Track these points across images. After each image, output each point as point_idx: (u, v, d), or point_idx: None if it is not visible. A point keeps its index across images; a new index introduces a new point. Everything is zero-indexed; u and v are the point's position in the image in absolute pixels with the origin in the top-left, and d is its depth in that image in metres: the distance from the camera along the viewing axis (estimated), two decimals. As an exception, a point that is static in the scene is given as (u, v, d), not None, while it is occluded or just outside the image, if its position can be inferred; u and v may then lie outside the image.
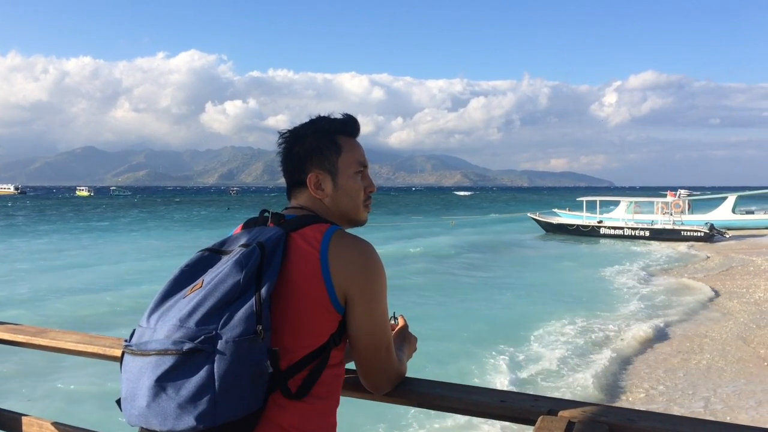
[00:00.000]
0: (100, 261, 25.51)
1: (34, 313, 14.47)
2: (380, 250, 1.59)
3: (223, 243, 1.54)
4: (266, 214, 1.60)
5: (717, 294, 17.24)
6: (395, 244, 31.38)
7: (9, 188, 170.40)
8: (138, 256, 27.47)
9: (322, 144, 1.65)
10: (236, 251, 1.43)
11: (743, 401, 8.87)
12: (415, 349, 1.89)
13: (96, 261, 25.47)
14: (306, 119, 1.73)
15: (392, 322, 1.83)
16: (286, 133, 1.71)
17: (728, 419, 7.94)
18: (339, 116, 1.72)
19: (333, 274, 1.47)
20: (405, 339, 1.84)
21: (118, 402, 1.36)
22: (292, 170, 1.68)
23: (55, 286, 18.88)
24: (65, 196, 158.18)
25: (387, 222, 48.34)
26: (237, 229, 1.62)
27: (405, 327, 1.89)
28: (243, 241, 1.48)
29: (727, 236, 33.01)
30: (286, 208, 1.68)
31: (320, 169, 1.65)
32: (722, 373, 10.16)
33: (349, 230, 1.65)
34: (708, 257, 26.06)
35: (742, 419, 8.07)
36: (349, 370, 1.69)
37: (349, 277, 1.49)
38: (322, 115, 1.73)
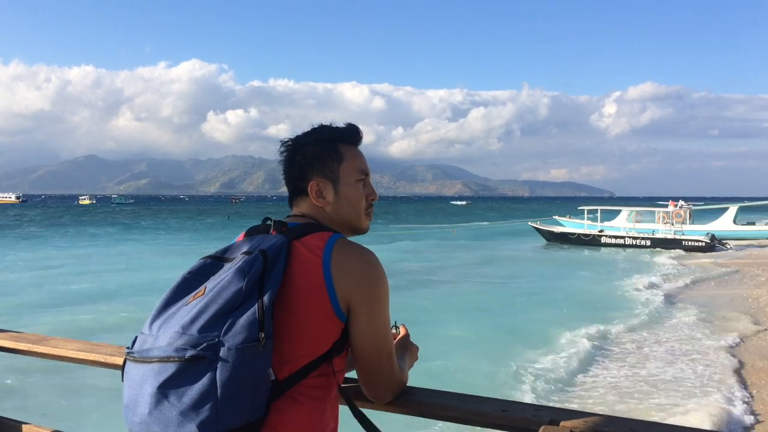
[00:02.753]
0: (103, 270, 25.51)
1: (38, 322, 14.45)
2: (380, 254, 1.59)
3: (225, 250, 1.54)
4: (269, 221, 1.60)
5: (716, 305, 17.21)
6: (391, 251, 31.35)
7: (10, 197, 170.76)
8: (139, 264, 27.47)
9: (323, 152, 1.66)
10: (238, 259, 1.44)
11: (736, 409, 8.83)
12: (417, 359, 1.88)
13: (99, 270, 25.47)
14: (307, 128, 1.74)
15: (394, 330, 1.83)
16: (288, 141, 1.71)
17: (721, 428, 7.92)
18: (341, 125, 1.73)
19: (335, 282, 1.47)
20: (406, 348, 1.84)
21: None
22: (294, 178, 1.68)
23: (59, 296, 18.86)
24: (68, 204, 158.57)
25: (382, 230, 48.33)
26: (239, 237, 1.63)
27: (407, 336, 1.89)
28: (245, 248, 1.48)
29: (729, 247, 32.99)
30: (289, 216, 1.68)
31: (321, 177, 1.65)
32: (723, 382, 10.13)
33: (352, 238, 1.65)
34: (708, 267, 26.02)
35: (734, 428, 8.04)
36: (351, 379, 1.68)
37: (351, 285, 1.49)
38: (323, 123, 1.74)
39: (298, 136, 1.71)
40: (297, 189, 1.69)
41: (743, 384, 10.01)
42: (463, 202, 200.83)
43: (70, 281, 21.77)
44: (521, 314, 16.22)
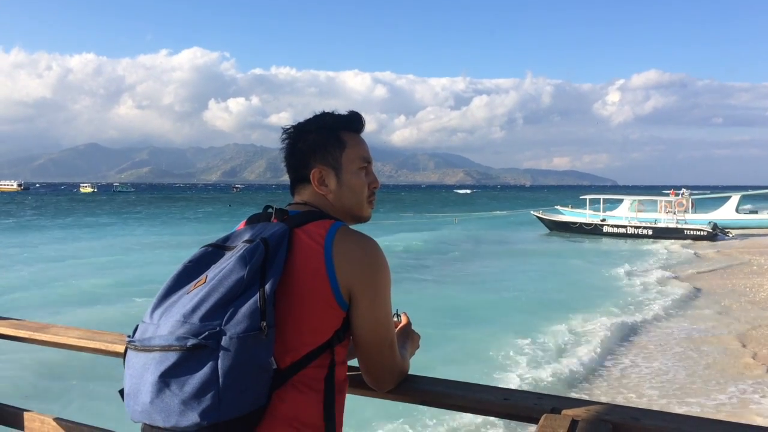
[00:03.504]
0: (102, 260, 25.55)
1: (38, 312, 14.47)
2: (384, 243, 1.58)
3: (226, 239, 1.53)
4: (270, 209, 1.59)
5: (719, 294, 17.21)
6: (400, 240, 31.36)
7: (12, 185, 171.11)
8: (139, 254, 27.51)
9: (325, 140, 1.65)
10: (240, 247, 1.43)
11: (744, 400, 8.86)
12: (418, 347, 1.88)
13: (99, 260, 25.50)
14: (309, 116, 1.72)
15: (395, 319, 1.83)
16: (290, 128, 1.70)
17: (730, 418, 7.93)
18: (344, 112, 1.72)
19: (337, 271, 1.47)
20: (408, 336, 1.84)
21: (121, 392, 1.36)
22: (296, 166, 1.67)
23: (56, 289, 18.86)
24: (69, 192, 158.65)
25: (392, 219, 48.33)
26: (240, 225, 1.61)
27: (408, 324, 1.88)
28: (246, 236, 1.47)
29: (731, 236, 32.95)
30: (290, 204, 1.67)
31: (324, 164, 1.64)
32: (723, 372, 10.15)
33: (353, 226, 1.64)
34: (711, 256, 26.01)
35: (743, 418, 8.06)
36: (352, 367, 1.68)
37: (353, 273, 1.48)
38: (326, 111, 1.72)
39: (300, 124, 1.70)
40: (299, 177, 1.67)
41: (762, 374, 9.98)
42: (467, 191, 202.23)
43: (70, 273, 21.77)
44: (523, 305, 16.21)
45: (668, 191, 38.27)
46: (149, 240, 33.99)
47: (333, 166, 1.65)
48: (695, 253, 27.35)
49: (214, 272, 1.39)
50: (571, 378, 10.03)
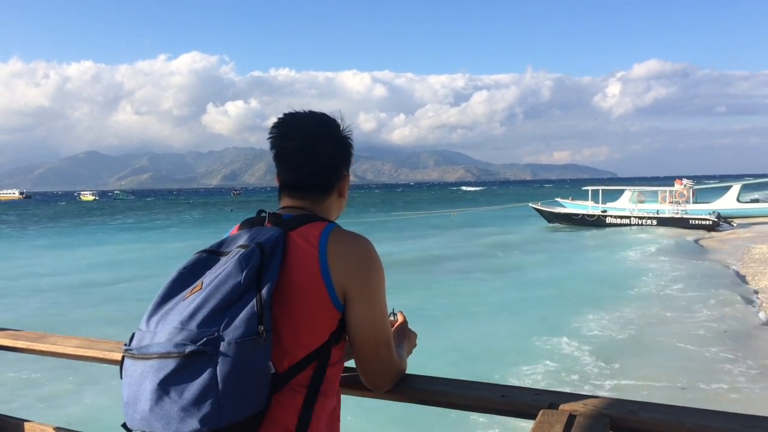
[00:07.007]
0: (106, 265, 25.55)
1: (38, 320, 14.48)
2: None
3: (220, 244, 1.53)
4: (263, 214, 1.58)
5: (733, 283, 17.13)
6: (393, 241, 31.32)
7: (14, 193, 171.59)
8: (140, 261, 27.52)
9: (348, 146, 1.70)
10: (235, 252, 1.42)
11: (747, 388, 8.86)
12: (415, 345, 1.88)
13: (102, 265, 25.51)
14: (314, 119, 1.67)
15: (391, 318, 1.83)
16: (307, 131, 1.62)
17: (732, 408, 7.91)
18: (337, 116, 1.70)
19: (332, 272, 1.47)
20: (404, 335, 1.83)
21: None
22: (318, 171, 1.63)
23: (61, 292, 18.91)
24: (70, 200, 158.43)
25: (380, 216, 48.30)
26: (233, 230, 1.60)
27: (404, 323, 1.88)
28: (241, 241, 1.47)
29: (734, 225, 32.90)
30: (283, 208, 1.65)
31: (347, 171, 1.71)
32: (727, 361, 10.15)
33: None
34: (714, 245, 25.97)
35: (748, 408, 8.05)
36: (349, 368, 1.68)
37: (348, 274, 1.48)
38: (326, 114, 1.69)
39: (320, 129, 1.64)
40: (317, 182, 1.63)
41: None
42: (474, 188, 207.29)
43: (77, 279, 21.79)
44: (529, 301, 16.15)
45: (672, 182, 38.11)
46: (148, 247, 33.95)
47: (349, 171, 1.73)
48: (698, 243, 27.30)
49: (209, 278, 1.39)
50: (570, 374, 10.00)
